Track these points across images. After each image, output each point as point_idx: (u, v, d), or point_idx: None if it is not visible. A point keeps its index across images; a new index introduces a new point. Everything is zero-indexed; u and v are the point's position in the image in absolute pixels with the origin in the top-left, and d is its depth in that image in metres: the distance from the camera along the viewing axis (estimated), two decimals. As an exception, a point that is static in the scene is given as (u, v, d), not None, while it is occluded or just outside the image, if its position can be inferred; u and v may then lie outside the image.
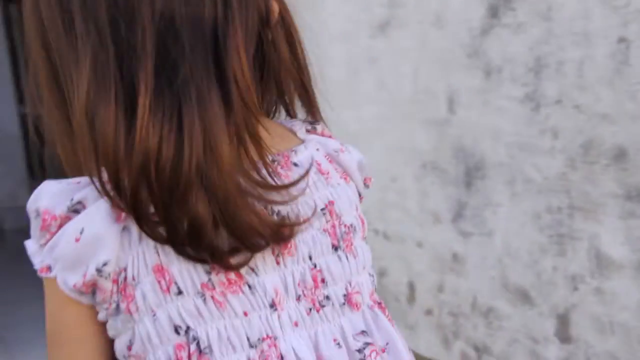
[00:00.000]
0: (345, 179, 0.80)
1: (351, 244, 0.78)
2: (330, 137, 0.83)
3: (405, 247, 2.27)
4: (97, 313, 0.68)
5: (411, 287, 2.25)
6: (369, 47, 2.27)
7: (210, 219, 0.64)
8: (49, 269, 0.67)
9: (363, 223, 0.80)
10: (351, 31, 2.34)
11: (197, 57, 0.65)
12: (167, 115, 0.63)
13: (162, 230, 0.64)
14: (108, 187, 0.64)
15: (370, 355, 0.76)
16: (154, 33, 0.64)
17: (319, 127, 0.83)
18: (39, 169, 4.83)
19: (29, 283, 3.75)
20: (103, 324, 0.69)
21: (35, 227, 0.67)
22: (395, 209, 2.29)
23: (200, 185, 0.63)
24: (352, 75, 2.37)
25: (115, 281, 0.66)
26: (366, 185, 0.85)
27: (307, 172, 0.73)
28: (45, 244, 0.66)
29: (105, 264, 0.65)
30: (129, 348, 0.68)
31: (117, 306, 0.67)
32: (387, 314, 0.80)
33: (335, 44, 2.41)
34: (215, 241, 0.65)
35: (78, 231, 0.65)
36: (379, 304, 0.80)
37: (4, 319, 3.38)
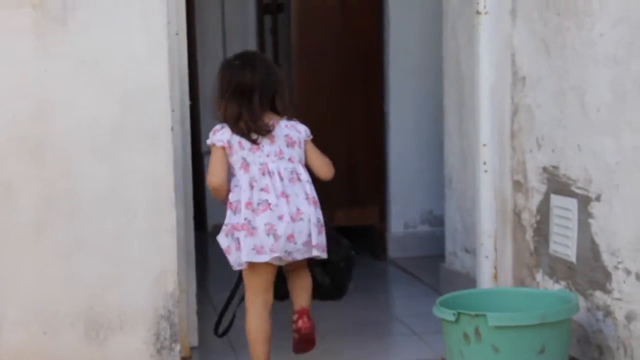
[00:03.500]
0: (298, 130, 2.59)
1: (294, 146, 2.55)
2: (296, 122, 2.61)
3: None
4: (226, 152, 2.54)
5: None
6: None
7: (247, 130, 2.51)
8: (213, 143, 2.53)
9: (299, 143, 2.57)
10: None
11: (244, 95, 2.54)
12: (237, 107, 2.53)
13: (239, 131, 2.53)
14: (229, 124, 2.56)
15: (288, 179, 2.52)
16: (234, 88, 2.54)
17: (290, 120, 2.60)
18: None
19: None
20: (226, 156, 2.54)
21: (211, 133, 2.56)
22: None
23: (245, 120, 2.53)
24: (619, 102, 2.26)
25: (229, 143, 2.52)
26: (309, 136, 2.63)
27: (275, 124, 2.56)
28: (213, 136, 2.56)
29: (227, 138, 2.52)
30: (231, 166, 2.53)
31: (229, 151, 2.53)
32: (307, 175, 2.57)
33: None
34: (251, 136, 2.51)
35: (219, 131, 2.54)
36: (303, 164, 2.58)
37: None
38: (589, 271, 2.38)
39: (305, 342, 2.60)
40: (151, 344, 2.71)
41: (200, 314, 2.98)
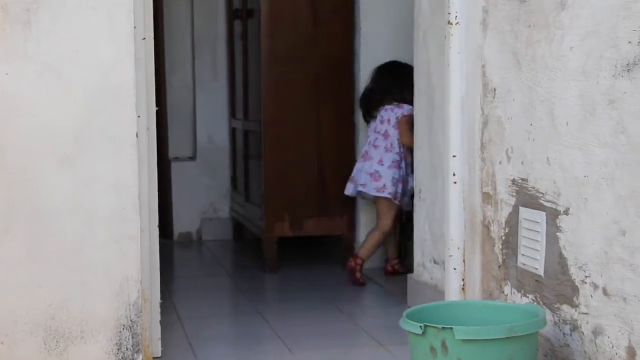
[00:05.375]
0: (394, 111, 3.92)
1: (384, 123, 3.91)
2: (401, 106, 3.90)
3: (628, 308, 2.08)
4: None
5: (631, 353, 2.07)
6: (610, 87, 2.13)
7: (364, 115, 4.07)
8: None
9: (389, 121, 3.91)
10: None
11: (369, 91, 4.07)
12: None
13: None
14: None
15: (373, 145, 3.95)
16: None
17: (400, 105, 3.89)
18: (243, 180, 4.77)
19: (225, 296, 3.94)
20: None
21: None
22: (621, 264, 2.11)
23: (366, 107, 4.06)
24: (588, 116, 2.23)
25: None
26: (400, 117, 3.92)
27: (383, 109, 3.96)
28: None
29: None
30: None
31: None
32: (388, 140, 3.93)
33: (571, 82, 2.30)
34: (366, 119, 4.04)
35: None
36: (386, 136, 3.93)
37: (196, 332, 3.23)
38: (557, 285, 2.37)
39: (350, 276, 3.90)
40: (113, 354, 2.66)
41: (164, 323, 2.93)
